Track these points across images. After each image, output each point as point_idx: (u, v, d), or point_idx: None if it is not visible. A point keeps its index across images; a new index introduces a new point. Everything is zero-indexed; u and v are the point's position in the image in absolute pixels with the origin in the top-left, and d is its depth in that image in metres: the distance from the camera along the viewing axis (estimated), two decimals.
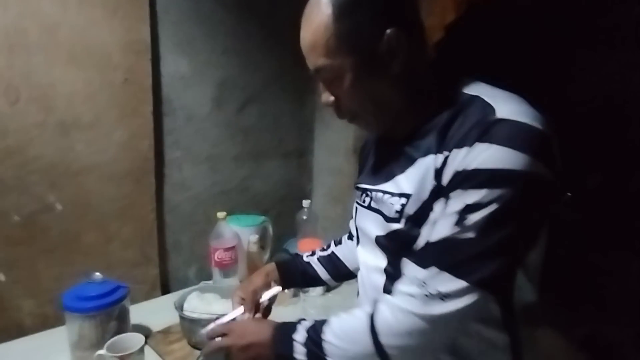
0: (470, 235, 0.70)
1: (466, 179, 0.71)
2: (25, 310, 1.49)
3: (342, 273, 1.28)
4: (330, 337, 0.82)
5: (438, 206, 0.76)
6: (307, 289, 1.77)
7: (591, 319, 1.98)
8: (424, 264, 0.75)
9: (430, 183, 0.78)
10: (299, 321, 0.90)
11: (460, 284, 0.70)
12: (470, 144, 0.71)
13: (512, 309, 0.82)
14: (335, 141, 2.18)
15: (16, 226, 1.43)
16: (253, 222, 1.93)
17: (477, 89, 0.80)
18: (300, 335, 0.86)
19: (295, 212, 2.03)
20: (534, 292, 0.85)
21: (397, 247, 0.85)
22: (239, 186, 2.07)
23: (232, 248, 1.73)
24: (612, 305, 1.97)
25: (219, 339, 0.99)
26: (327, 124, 2.21)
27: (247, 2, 1.91)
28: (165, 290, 1.85)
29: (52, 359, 1.32)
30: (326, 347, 0.81)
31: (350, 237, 1.27)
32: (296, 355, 0.85)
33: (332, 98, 0.89)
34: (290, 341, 0.86)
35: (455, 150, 0.74)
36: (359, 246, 1.06)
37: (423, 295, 0.73)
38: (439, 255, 0.74)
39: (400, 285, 0.78)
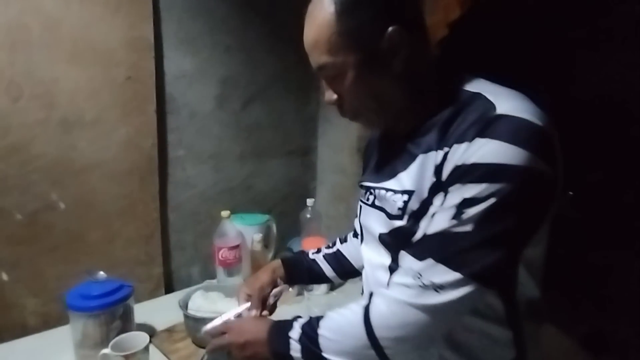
0: (467, 228, 0.71)
1: (465, 173, 0.72)
2: (28, 309, 1.49)
3: (347, 271, 1.28)
4: (325, 331, 0.82)
5: (437, 200, 0.77)
6: (311, 287, 1.77)
7: (593, 317, 1.98)
8: (420, 256, 0.75)
9: (430, 179, 0.79)
10: (295, 318, 0.90)
11: (455, 275, 0.71)
12: (471, 139, 0.72)
13: (515, 305, 0.82)
14: (339, 139, 2.17)
15: (19, 225, 1.42)
16: (257, 220, 1.92)
17: (479, 86, 0.80)
18: (295, 332, 0.86)
19: (298, 210, 2.02)
20: (537, 288, 0.84)
21: (400, 244, 0.85)
22: (243, 185, 2.06)
23: (236, 247, 1.72)
24: (613, 304, 1.97)
25: (220, 337, 1.00)
26: (331, 122, 2.20)
27: (251, 0, 1.90)
28: (169, 289, 1.85)
29: (56, 358, 1.32)
30: (322, 341, 0.82)
31: (356, 235, 1.27)
32: (292, 353, 0.85)
33: (334, 96, 0.89)
34: (286, 339, 0.86)
35: (455, 146, 0.74)
36: (363, 244, 1.07)
37: (418, 286, 0.73)
38: (435, 248, 0.74)
39: (396, 277, 0.79)
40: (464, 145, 0.73)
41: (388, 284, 0.82)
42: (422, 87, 0.87)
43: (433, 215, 0.77)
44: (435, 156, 0.79)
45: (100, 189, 1.57)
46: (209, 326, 1.08)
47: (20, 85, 1.36)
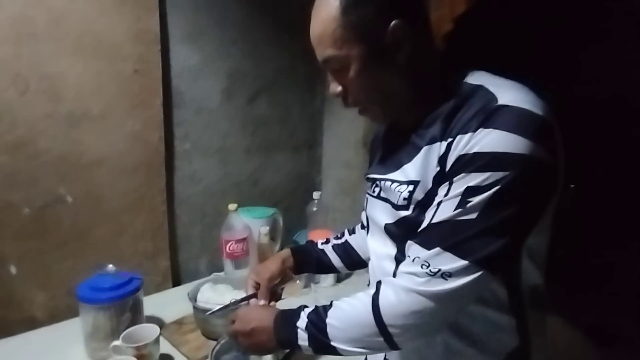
0: (472, 216, 0.72)
1: (469, 163, 0.73)
2: (37, 302, 1.49)
3: (354, 261, 1.29)
4: (333, 320, 0.83)
5: (442, 190, 0.78)
6: (317, 279, 1.78)
7: (597, 309, 1.99)
8: (427, 245, 0.76)
9: (434, 169, 0.80)
10: (301, 308, 0.91)
11: (462, 263, 0.72)
12: (474, 130, 0.73)
13: (518, 293, 0.83)
14: (344, 133, 2.17)
15: (27, 219, 1.43)
16: (263, 214, 1.93)
17: (480, 79, 0.81)
18: (302, 322, 0.87)
19: (304, 204, 2.02)
20: (540, 276, 0.85)
21: (406, 234, 0.86)
22: (249, 178, 2.06)
23: (244, 240, 1.72)
24: (617, 297, 1.97)
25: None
26: (337, 116, 2.20)
27: None
28: (176, 282, 1.85)
29: (66, 351, 1.32)
30: (330, 330, 0.83)
31: (363, 227, 1.28)
32: (299, 342, 0.87)
33: (339, 88, 0.91)
34: (293, 328, 0.87)
35: (459, 137, 0.75)
36: (369, 235, 1.08)
37: (426, 274, 0.74)
38: (442, 236, 0.75)
39: (404, 266, 0.80)
40: (468, 135, 0.74)
41: (395, 274, 0.83)
42: (425, 80, 0.88)
43: (438, 204, 0.77)
44: (439, 147, 0.80)
45: (107, 183, 1.57)
46: (214, 310, 1.13)
47: (26, 78, 1.36)
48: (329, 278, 1.84)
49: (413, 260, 0.77)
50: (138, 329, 1.26)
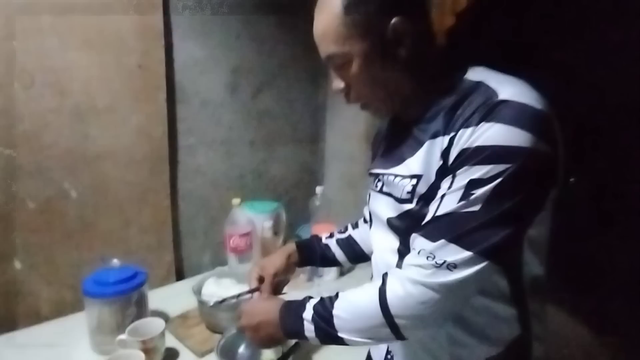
0: (476, 208, 0.73)
1: (471, 156, 0.74)
2: (42, 297, 1.50)
3: (358, 255, 1.30)
4: (339, 311, 0.84)
5: (445, 183, 0.79)
6: (321, 273, 1.79)
7: (598, 298, 2.00)
8: (432, 237, 0.77)
9: (437, 163, 0.82)
10: (306, 299, 0.92)
11: (467, 254, 0.73)
12: (476, 124, 0.74)
13: (519, 284, 0.85)
14: (347, 127, 2.17)
15: (33, 213, 1.44)
16: (267, 208, 1.93)
17: (481, 75, 0.83)
18: (308, 314, 0.88)
19: (307, 198, 2.03)
20: (541, 267, 0.86)
21: (409, 226, 0.87)
22: (253, 172, 2.07)
23: (247, 234, 1.73)
24: (617, 286, 1.99)
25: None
26: (340, 110, 2.20)
27: None
28: (180, 276, 1.86)
29: (72, 344, 1.33)
30: (336, 322, 0.84)
31: (365, 222, 1.29)
32: (306, 333, 0.88)
33: (342, 84, 0.93)
34: (299, 320, 0.89)
35: (461, 131, 0.77)
36: (372, 229, 1.09)
37: (431, 266, 0.76)
38: (446, 228, 0.76)
39: (409, 258, 0.81)
40: (470, 129, 0.75)
41: (401, 266, 0.83)
42: (427, 75, 0.89)
43: (442, 197, 0.79)
44: (442, 141, 0.81)
45: (112, 177, 1.58)
46: (218, 301, 1.16)
47: (32, 73, 1.37)
48: (332, 272, 1.85)
49: (419, 253, 0.78)
50: (143, 322, 1.27)
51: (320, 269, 1.80)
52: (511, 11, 2.03)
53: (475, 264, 0.73)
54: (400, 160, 0.92)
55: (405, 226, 0.89)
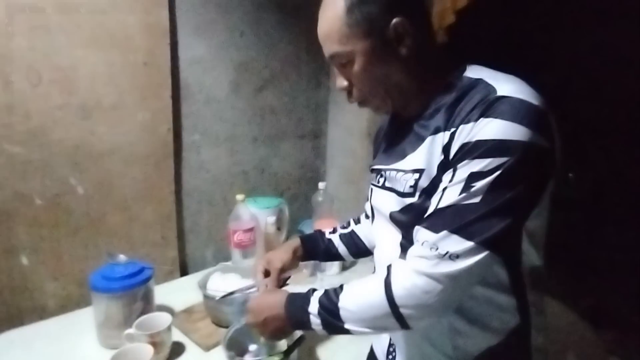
0: (476, 200, 0.76)
1: (471, 150, 0.77)
2: (49, 292, 1.52)
3: (361, 250, 1.33)
4: (345, 303, 0.87)
5: (446, 176, 0.81)
6: (324, 268, 1.81)
7: (596, 291, 2.02)
8: (435, 229, 0.80)
9: (438, 158, 0.84)
10: (310, 292, 0.95)
11: (468, 244, 0.76)
12: (475, 119, 0.77)
13: (519, 274, 0.87)
14: (349, 123, 2.19)
15: (39, 209, 1.46)
16: (270, 204, 1.95)
17: (480, 73, 0.85)
18: (314, 307, 0.90)
19: (309, 193, 2.05)
20: (539, 258, 0.89)
21: (411, 220, 0.89)
22: (256, 168, 2.09)
23: (251, 229, 1.75)
24: (615, 279, 2.01)
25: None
26: (341, 106, 2.22)
27: None
28: (184, 272, 1.88)
29: (79, 339, 1.35)
30: (342, 314, 0.87)
31: (367, 217, 1.31)
32: (313, 326, 0.91)
33: (345, 82, 0.96)
34: (305, 314, 0.92)
35: (462, 126, 0.79)
36: (374, 224, 1.11)
37: (435, 256, 0.78)
38: (449, 220, 0.78)
39: (413, 250, 0.83)
40: (470, 125, 0.78)
41: (405, 258, 0.85)
42: (427, 73, 0.92)
43: (443, 190, 0.81)
44: (443, 136, 0.84)
45: (118, 173, 1.60)
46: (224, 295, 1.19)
47: (39, 70, 1.39)
48: (335, 267, 1.87)
49: (422, 244, 0.81)
50: (150, 317, 1.28)
51: (323, 263, 1.81)
52: (510, 10, 2.05)
53: (476, 253, 0.75)
54: (402, 156, 0.95)
55: (407, 219, 0.92)
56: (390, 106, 0.97)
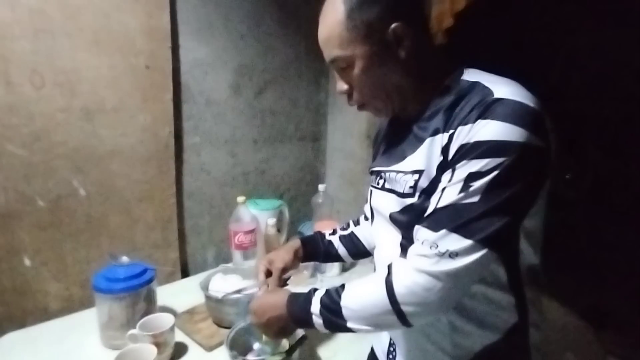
0: (475, 199, 0.77)
1: (469, 151, 0.78)
2: (51, 293, 1.53)
3: (360, 251, 1.34)
4: (347, 302, 0.88)
5: (445, 177, 0.83)
6: (324, 269, 1.82)
7: (593, 290, 2.03)
8: (434, 228, 0.81)
9: (438, 159, 0.86)
10: (312, 292, 0.96)
11: (468, 242, 0.77)
12: (473, 121, 0.79)
13: (516, 272, 0.89)
14: (348, 125, 2.20)
15: (42, 211, 1.46)
16: (270, 205, 1.96)
17: (477, 77, 0.87)
18: (315, 307, 0.92)
19: (309, 195, 2.06)
20: (537, 257, 0.91)
21: (411, 220, 0.91)
22: (256, 170, 2.10)
23: (252, 231, 1.75)
24: (613, 278, 2.02)
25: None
26: (341, 108, 2.23)
27: None
28: (185, 273, 1.89)
29: (82, 340, 1.36)
30: (345, 312, 0.88)
31: (366, 219, 1.33)
32: (315, 326, 0.93)
33: (345, 86, 0.98)
34: (307, 314, 0.93)
35: (460, 128, 0.81)
36: (374, 225, 1.12)
37: (435, 255, 0.79)
38: (448, 219, 0.80)
39: (414, 248, 0.85)
40: (468, 126, 0.79)
41: (406, 257, 0.87)
42: (425, 76, 0.93)
43: (443, 190, 0.82)
44: (442, 138, 0.85)
45: (120, 176, 1.61)
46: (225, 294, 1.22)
47: (42, 73, 1.39)
48: (335, 268, 1.88)
49: (422, 243, 0.82)
50: (153, 317, 1.29)
51: (323, 265, 1.83)
52: (509, 12, 2.06)
53: (475, 251, 0.77)
54: (402, 158, 0.96)
55: (407, 220, 0.93)
56: (390, 109, 0.98)
